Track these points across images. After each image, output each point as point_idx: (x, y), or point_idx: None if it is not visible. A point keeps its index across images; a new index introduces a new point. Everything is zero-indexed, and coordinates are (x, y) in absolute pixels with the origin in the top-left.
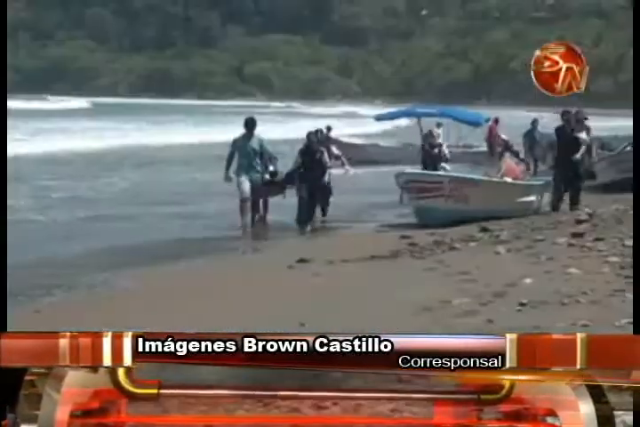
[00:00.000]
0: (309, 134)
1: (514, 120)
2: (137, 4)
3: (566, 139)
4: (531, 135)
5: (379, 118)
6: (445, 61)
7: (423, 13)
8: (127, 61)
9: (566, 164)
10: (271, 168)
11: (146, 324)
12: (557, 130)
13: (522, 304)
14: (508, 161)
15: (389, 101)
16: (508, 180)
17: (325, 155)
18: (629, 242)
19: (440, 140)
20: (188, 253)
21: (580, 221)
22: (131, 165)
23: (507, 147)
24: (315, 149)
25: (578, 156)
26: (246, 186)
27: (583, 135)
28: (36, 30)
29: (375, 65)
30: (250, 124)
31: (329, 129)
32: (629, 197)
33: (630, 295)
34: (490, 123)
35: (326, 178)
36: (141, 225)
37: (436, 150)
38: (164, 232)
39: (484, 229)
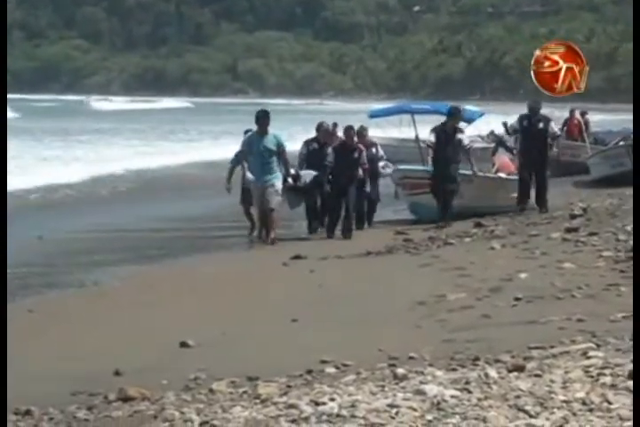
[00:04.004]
0: (347, 129)
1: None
2: (129, 2)
3: (446, 140)
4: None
5: (372, 115)
6: (439, 57)
7: (416, 9)
8: (120, 60)
9: (442, 170)
10: (292, 171)
11: (139, 321)
12: (434, 129)
13: (517, 299)
14: (502, 156)
15: (384, 97)
16: (503, 175)
17: (364, 155)
18: (623, 236)
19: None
20: (181, 251)
21: (574, 216)
22: None
23: (500, 142)
24: (351, 147)
25: (452, 170)
26: (264, 195)
27: (464, 137)
28: (28, 30)
29: (368, 61)
30: (262, 119)
31: (335, 126)
32: (623, 191)
33: (625, 289)
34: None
35: (367, 186)
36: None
37: (373, 149)
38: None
39: (479, 225)
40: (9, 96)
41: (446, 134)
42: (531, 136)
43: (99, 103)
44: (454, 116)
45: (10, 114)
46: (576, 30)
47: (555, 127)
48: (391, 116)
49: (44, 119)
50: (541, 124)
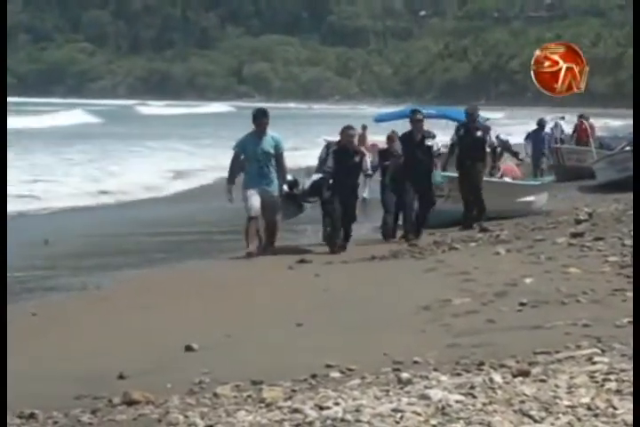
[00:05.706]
0: (348, 130)
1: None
2: (135, 5)
3: (414, 147)
4: (536, 135)
5: (378, 120)
6: (444, 61)
7: (422, 14)
8: (126, 63)
9: (419, 178)
10: (289, 177)
11: (142, 325)
12: (402, 136)
13: (522, 304)
14: (508, 161)
15: (389, 102)
16: (508, 180)
17: (367, 159)
18: (629, 241)
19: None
20: (186, 255)
21: (579, 221)
22: None
23: (505, 147)
24: (354, 150)
25: (439, 171)
26: (256, 201)
27: (434, 143)
28: (34, 33)
29: (374, 65)
30: (260, 119)
31: (364, 128)
32: (629, 196)
33: (630, 294)
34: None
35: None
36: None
37: (357, 158)
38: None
39: (484, 230)
40: (35, 100)
41: (413, 142)
42: (465, 146)
43: (139, 108)
44: (415, 122)
45: (92, 119)
46: (582, 35)
47: (493, 137)
48: (397, 120)
49: (125, 125)
50: (479, 133)
